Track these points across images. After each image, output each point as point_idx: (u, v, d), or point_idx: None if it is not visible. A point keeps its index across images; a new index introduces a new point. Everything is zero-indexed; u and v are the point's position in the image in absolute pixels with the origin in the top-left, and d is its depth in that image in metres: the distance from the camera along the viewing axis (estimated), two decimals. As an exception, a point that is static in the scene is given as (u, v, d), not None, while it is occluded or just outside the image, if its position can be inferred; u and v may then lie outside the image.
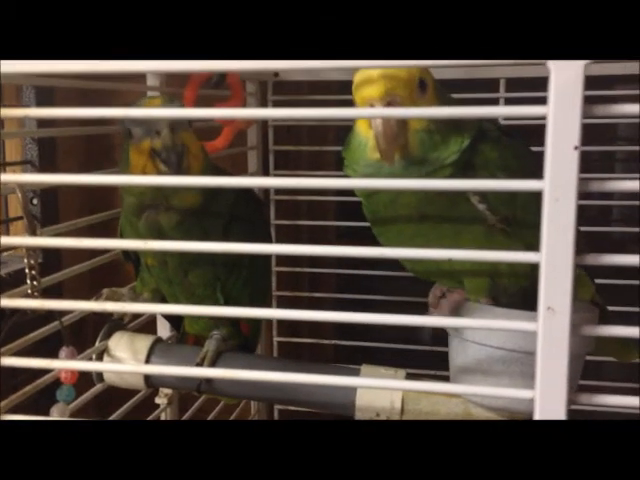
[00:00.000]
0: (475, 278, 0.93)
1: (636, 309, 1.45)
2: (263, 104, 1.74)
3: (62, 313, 0.94)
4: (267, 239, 1.24)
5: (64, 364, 0.77)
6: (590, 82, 0.59)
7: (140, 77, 1.31)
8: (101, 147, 1.87)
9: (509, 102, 1.59)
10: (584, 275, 0.97)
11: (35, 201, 1.75)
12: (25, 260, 0.84)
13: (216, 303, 1.08)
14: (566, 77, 0.56)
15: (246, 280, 1.11)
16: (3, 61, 0.63)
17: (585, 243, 1.03)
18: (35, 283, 0.84)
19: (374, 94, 0.81)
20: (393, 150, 0.82)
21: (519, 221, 0.91)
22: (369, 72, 0.82)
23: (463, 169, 0.87)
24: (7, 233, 1.80)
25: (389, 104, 0.81)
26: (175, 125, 0.95)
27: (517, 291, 0.95)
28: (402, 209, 0.90)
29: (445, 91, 0.91)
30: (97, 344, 1.06)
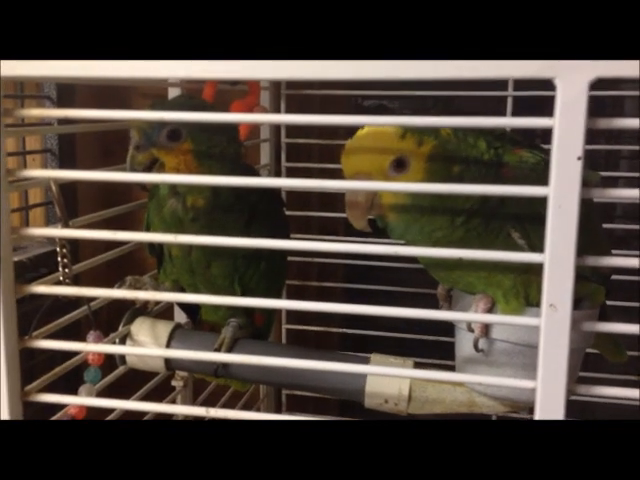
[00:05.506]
0: (511, 300, 0.93)
1: (635, 304, 1.50)
2: (277, 98, 1.78)
3: (90, 300, 0.99)
4: (285, 238, 1.29)
5: (95, 347, 0.82)
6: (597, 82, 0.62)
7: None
8: (120, 135, 1.91)
9: (517, 101, 1.61)
10: (597, 286, 0.99)
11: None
12: (57, 249, 0.90)
13: (234, 294, 1.13)
14: (571, 93, 0.60)
15: (263, 274, 1.16)
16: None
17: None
18: (67, 270, 0.90)
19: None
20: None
21: None
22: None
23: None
24: (26, 220, 1.85)
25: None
26: (145, 143, 1.01)
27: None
28: (442, 242, 0.90)
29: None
30: (120, 329, 1.11)
